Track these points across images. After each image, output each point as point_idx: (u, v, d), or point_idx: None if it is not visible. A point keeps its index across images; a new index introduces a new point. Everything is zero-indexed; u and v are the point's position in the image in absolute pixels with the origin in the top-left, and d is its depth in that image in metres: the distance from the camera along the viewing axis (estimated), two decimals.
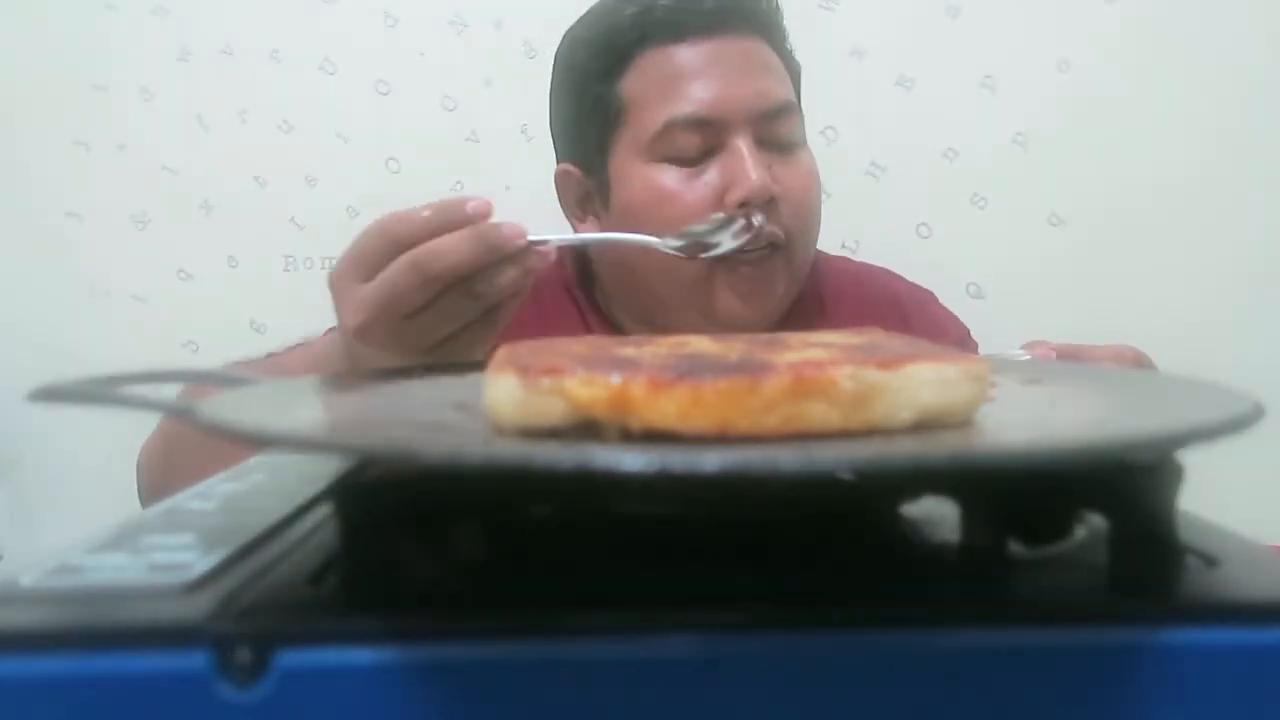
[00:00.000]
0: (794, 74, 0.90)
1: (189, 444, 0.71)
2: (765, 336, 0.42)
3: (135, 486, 0.80)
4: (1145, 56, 1.58)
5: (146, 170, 1.61)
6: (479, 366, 0.38)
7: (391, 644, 0.27)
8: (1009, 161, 1.59)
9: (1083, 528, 0.34)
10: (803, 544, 0.34)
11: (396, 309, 0.61)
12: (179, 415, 0.44)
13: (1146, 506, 0.32)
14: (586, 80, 0.88)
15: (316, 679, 0.27)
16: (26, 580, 0.30)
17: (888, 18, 1.60)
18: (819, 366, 0.32)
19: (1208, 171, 1.56)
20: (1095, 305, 1.48)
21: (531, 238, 0.61)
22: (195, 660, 0.27)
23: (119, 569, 0.31)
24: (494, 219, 0.61)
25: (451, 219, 0.60)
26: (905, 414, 0.33)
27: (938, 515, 0.36)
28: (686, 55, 0.85)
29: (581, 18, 0.91)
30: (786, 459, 0.27)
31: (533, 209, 0.64)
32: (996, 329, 0.95)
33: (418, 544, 0.31)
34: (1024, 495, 0.32)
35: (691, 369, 0.31)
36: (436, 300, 0.61)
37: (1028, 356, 0.66)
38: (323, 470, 0.42)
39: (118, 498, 0.72)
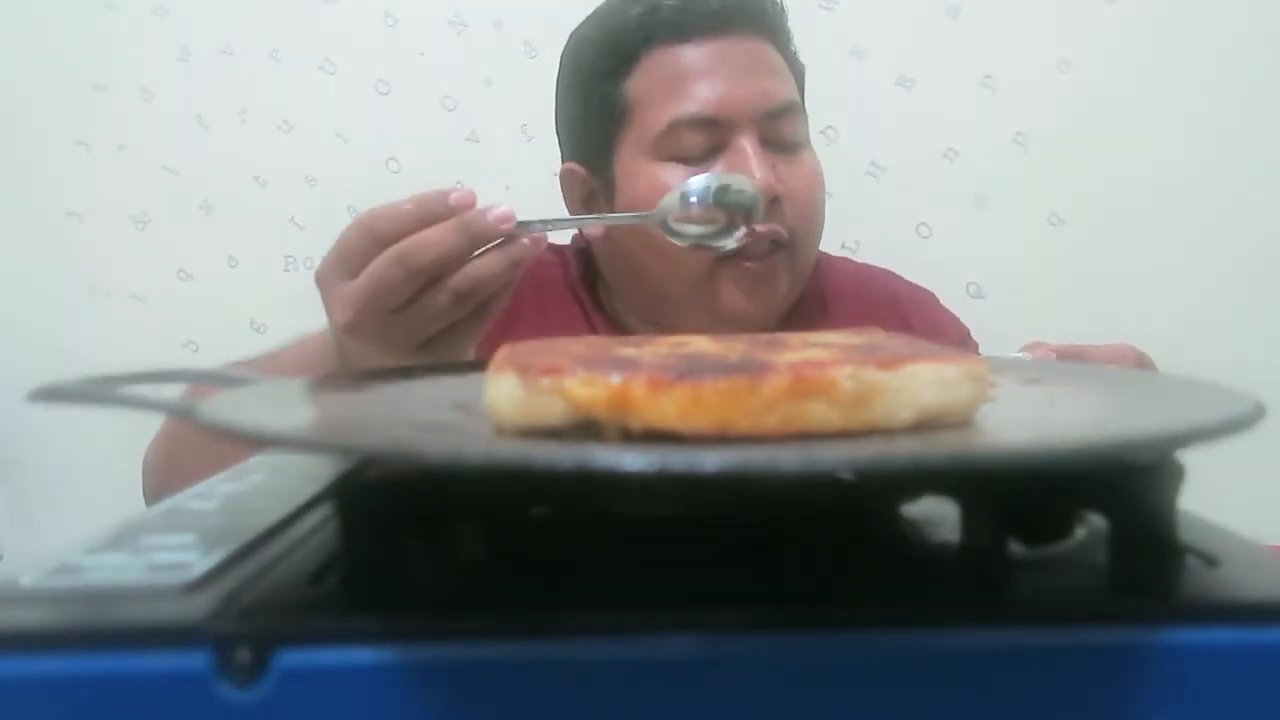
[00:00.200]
0: (798, 75, 0.91)
1: (191, 445, 0.71)
2: (765, 336, 0.42)
3: (135, 486, 0.80)
4: (1145, 56, 1.58)
5: (146, 170, 1.61)
6: (480, 366, 0.38)
7: (391, 644, 0.27)
8: (1009, 161, 1.59)
9: (1083, 528, 0.34)
10: (803, 544, 0.34)
11: (384, 304, 0.61)
12: (180, 415, 0.44)
13: (1146, 506, 0.32)
14: (592, 80, 0.88)
15: (316, 679, 0.27)
16: (26, 580, 0.30)
17: (888, 18, 1.60)
18: (819, 366, 0.32)
19: (1208, 171, 1.55)
20: (1095, 305, 1.48)
21: (521, 219, 0.61)
22: (195, 660, 0.27)
23: (119, 569, 0.31)
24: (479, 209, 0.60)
25: (434, 211, 0.60)
26: (905, 414, 0.33)
27: (938, 515, 0.36)
28: (692, 55, 0.85)
29: (587, 18, 0.91)
30: (786, 459, 0.27)
31: (533, 209, 0.64)
32: (996, 329, 0.95)
33: (418, 544, 0.31)
34: (1024, 495, 0.32)
35: (691, 369, 0.31)
36: (423, 295, 0.61)
37: (1028, 358, 0.65)
38: (323, 470, 0.42)
39: (118, 498, 0.72)
